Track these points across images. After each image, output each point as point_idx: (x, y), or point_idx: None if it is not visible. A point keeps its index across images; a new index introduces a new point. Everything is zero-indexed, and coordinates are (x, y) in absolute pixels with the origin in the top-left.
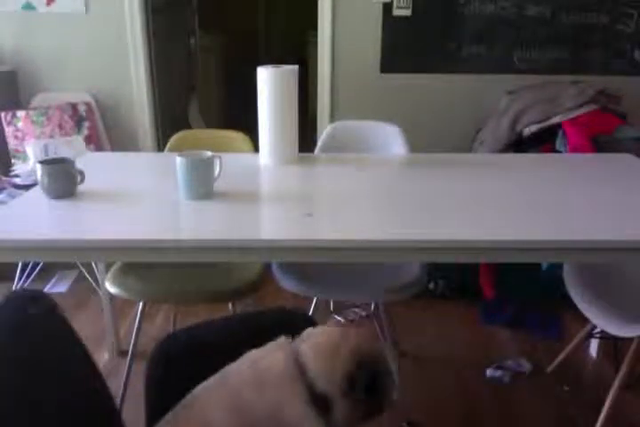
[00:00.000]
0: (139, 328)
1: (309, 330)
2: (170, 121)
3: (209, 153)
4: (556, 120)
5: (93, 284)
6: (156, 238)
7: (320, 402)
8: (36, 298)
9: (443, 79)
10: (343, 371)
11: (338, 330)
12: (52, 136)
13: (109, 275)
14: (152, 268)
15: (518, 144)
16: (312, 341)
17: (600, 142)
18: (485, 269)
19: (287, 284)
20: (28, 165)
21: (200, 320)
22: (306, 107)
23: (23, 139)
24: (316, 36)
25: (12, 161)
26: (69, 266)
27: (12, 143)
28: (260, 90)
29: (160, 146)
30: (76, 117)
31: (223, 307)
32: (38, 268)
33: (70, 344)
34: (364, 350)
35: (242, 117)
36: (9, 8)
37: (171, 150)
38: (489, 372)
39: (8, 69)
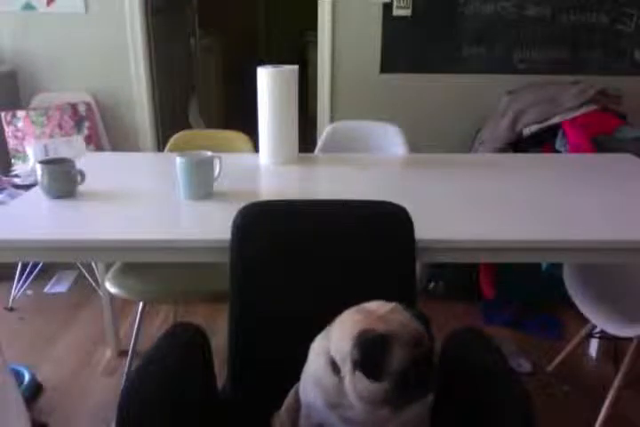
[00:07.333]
0: (139, 328)
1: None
2: (170, 121)
3: (209, 153)
4: (555, 120)
5: (93, 284)
6: (155, 238)
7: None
8: None
9: (443, 79)
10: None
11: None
12: (52, 136)
13: (109, 275)
14: (152, 268)
15: (518, 144)
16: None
17: (600, 142)
18: (485, 269)
19: None
20: (28, 165)
21: (200, 320)
22: (306, 107)
23: (23, 139)
24: (315, 36)
25: (12, 161)
26: (69, 266)
27: (11, 143)
28: (260, 90)
29: (160, 146)
30: (76, 117)
31: (223, 307)
32: (38, 268)
33: None
34: (369, 334)
35: (242, 117)
36: (9, 8)
37: (171, 150)
38: None
39: (8, 69)
